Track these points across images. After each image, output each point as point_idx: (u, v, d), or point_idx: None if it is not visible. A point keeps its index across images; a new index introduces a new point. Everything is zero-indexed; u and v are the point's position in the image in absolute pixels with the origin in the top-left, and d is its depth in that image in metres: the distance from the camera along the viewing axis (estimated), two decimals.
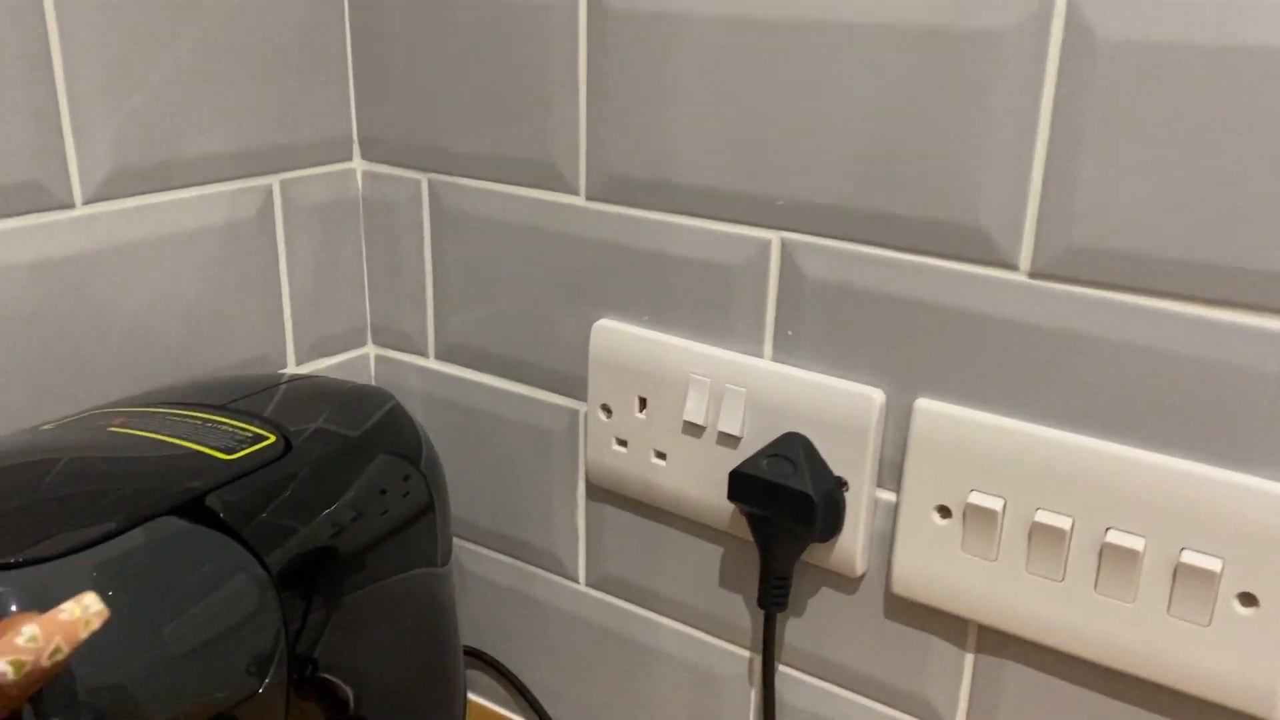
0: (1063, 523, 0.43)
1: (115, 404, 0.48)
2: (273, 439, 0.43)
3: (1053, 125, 0.41)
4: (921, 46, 0.43)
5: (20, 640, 0.28)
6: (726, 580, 0.55)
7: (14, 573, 0.33)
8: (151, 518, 0.37)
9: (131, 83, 0.50)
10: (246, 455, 0.42)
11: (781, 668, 0.54)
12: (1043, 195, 0.42)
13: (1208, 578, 0.41)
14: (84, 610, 0.29)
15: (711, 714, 0.57)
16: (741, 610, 0.55)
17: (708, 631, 0.56)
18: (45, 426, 0.45)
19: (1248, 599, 0.40)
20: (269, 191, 0.58)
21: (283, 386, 0.50)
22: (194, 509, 0.38)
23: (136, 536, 0.36)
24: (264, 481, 0.41)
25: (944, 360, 0.45)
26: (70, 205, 0.49)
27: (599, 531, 0.59)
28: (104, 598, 0.30)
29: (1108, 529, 0.42)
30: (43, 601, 0.31)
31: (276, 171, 0.58)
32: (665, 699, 0.59)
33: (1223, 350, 0.39)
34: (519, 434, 0.60)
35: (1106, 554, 0.42)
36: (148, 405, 0.47)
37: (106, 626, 0.29)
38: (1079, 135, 0.40)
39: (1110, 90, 0.39)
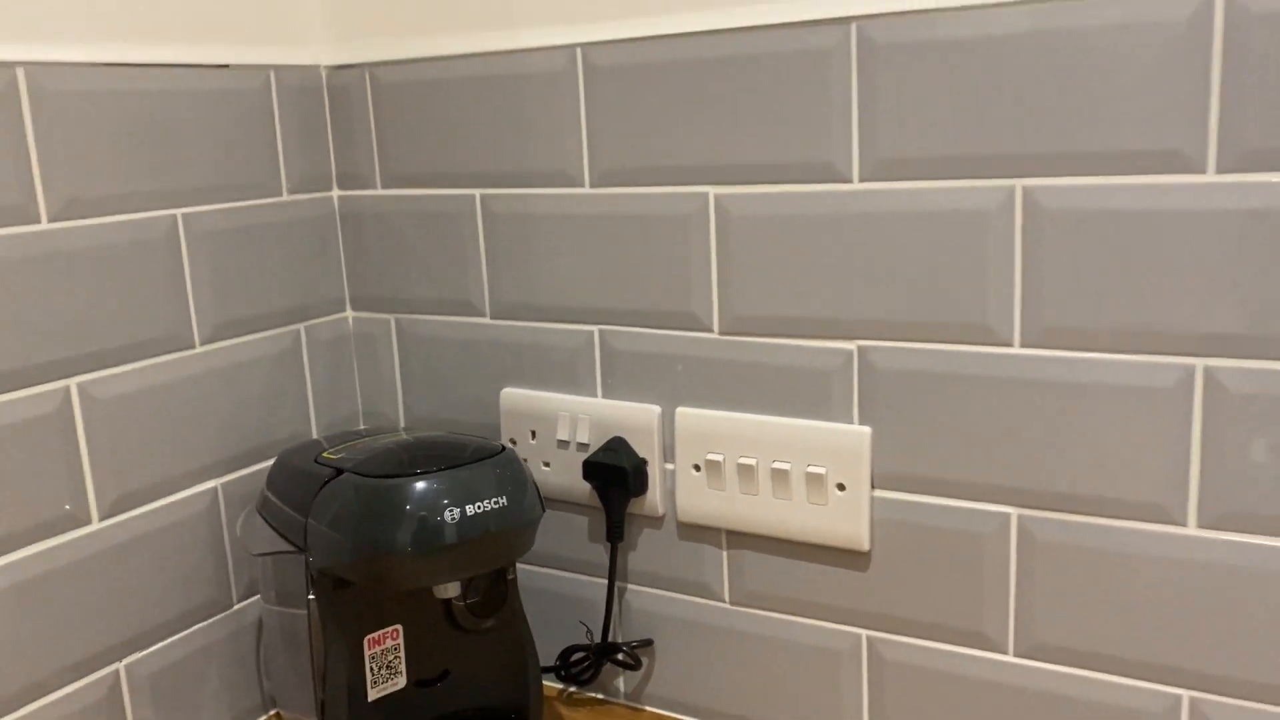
0: (750, 461, 0.81)
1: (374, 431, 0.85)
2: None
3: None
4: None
5: None
6: (592, 534, 0.91)
7: (442, 473, 0.70)
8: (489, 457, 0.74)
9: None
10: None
11: (620, 583, 0.90)
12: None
13: (820, 478, 0.78)
14: None
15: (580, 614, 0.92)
16: (599, 549, 0.91)
17: (579, 572, 0.92)
18: (358, 440, 0.82)
19: (841, 487, 0.78)
20: (298, 334, 0.95)
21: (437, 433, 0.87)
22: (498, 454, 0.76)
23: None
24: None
25: (687, 386, 0.83)
26: (191, 345, 0.86)
27: None
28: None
29: (773, 461, 0.80)
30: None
31: (301, 321, 0.96)
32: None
33: (803, 358, 0.78)
34: None
35: (775, 475, 0.80)
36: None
37: None
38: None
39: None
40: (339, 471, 0.73)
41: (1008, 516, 0.73)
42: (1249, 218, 0.63)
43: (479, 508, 0.69)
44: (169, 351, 0.84)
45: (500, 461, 0.73)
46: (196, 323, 0.86)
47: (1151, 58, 0.63)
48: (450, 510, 0.68)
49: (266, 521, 0.81)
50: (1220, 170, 0.63)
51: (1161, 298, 0.66)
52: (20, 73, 0.73)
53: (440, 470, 0.70)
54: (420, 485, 0.69)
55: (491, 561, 0.74)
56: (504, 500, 0.70)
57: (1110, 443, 0.69)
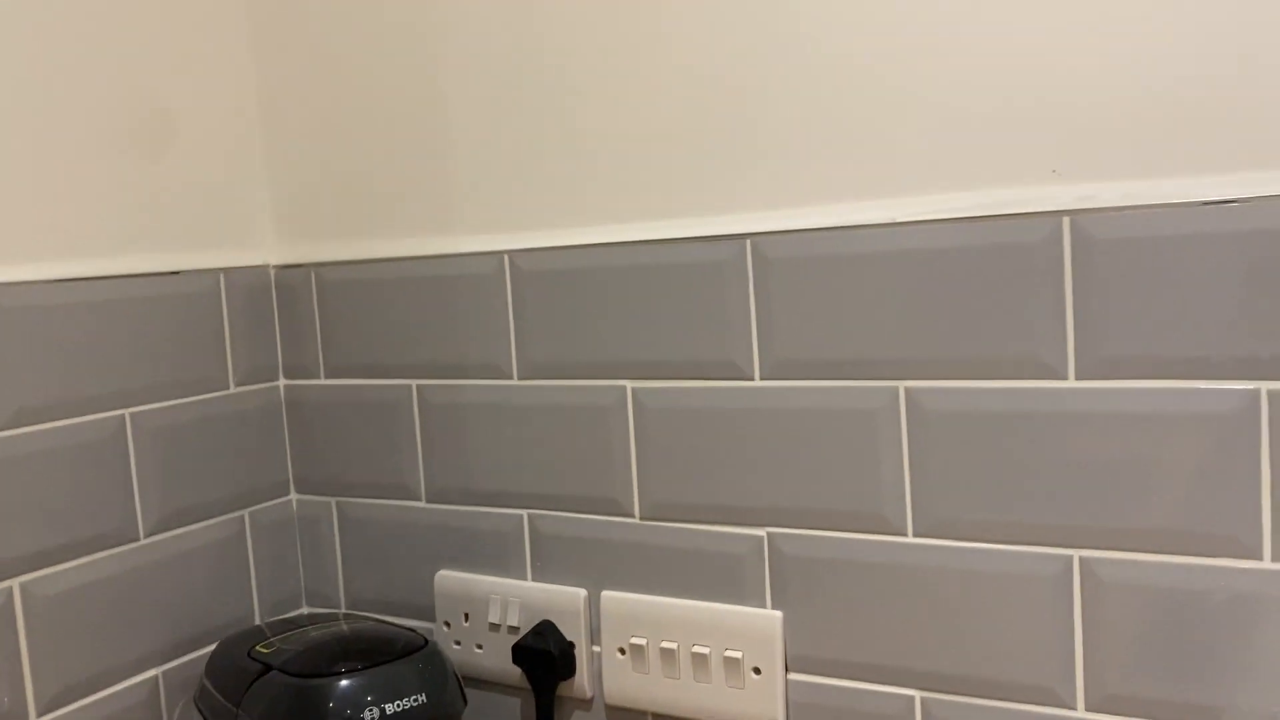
0: (672, 645, 0.84)
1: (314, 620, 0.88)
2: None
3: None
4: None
5: None
6: (524, 718, 0.93)
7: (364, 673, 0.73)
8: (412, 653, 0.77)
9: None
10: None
11: None
12: None
13: (737, 662, 0.81)
14: None
15: None
16: None
17: None
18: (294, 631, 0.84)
19: (757, 670, 0.81)
20: (243, 520, 0.99)
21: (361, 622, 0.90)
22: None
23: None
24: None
25: (612, 571, 0.87)
26: (135, 538, 0.89)
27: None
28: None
29: (693, 644, 0.83)
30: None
31: (246, 506, 0.99)
32: None
33: (717, 544, 0.82)
34: None
35: (695, 659, 0.83)
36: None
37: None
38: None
39: None
40: (268, 668, 0.76)
41: (912, 699, 0.76)
42: (1107, 419, 0.68)
43: (400, 706, 0.72)
44: (113, 546, 0.87)
45: (423, 658, 0.76)
46: (142, 516, 0.90)
47: (1012, 269, 0.70)
48: (371, 709, 0.71)
49: (201, 713, 0.83)
50: (1079, 377, 0.69)
51: (1038, 493, 0.71)
52: None
53: (364, 669, 0.73)
54: (344, 684, 0.72)
55: None
56: (424, 697, 0.73)
57: (1001, 628, 0.73)
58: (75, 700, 0.84)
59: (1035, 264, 0.69)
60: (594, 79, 0.84)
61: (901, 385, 0.74)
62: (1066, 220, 0.68)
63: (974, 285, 0.71)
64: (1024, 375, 0.70)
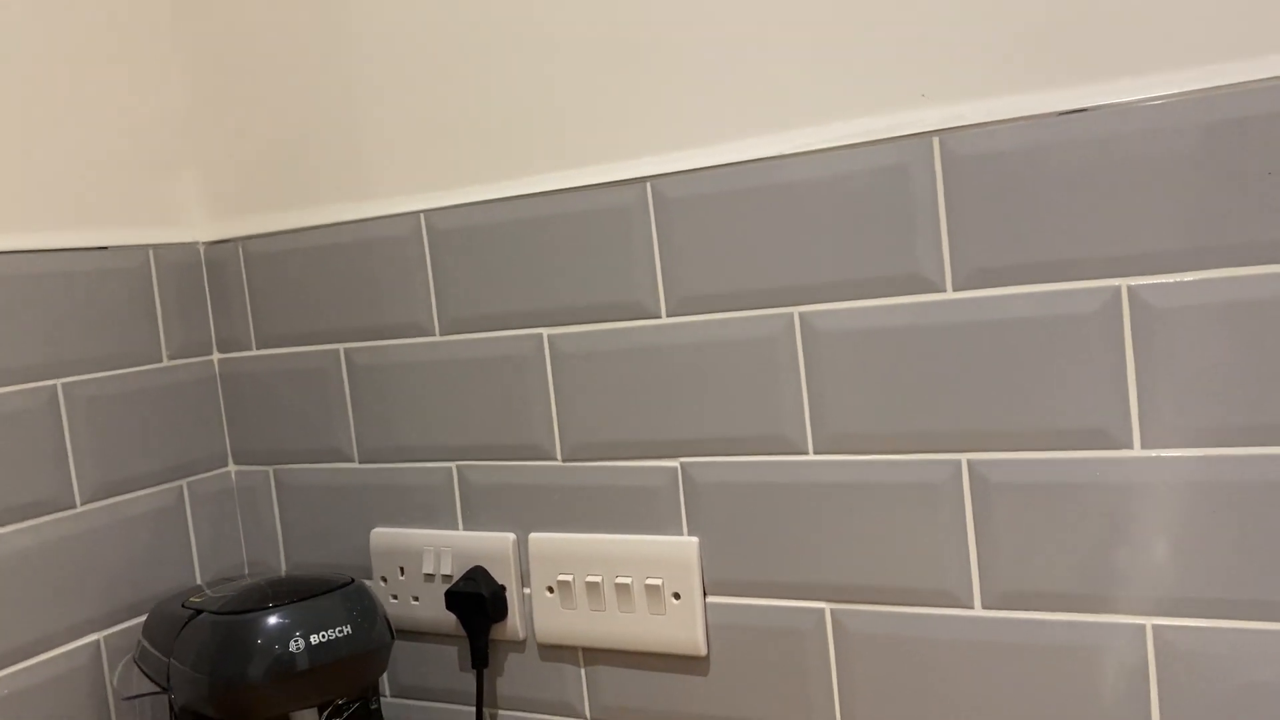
0: (597, 579, 0.87)
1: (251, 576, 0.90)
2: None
3: None
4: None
5: None
6: (461, 664, 0.96)
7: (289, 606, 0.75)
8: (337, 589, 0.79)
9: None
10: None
11: (490, 709, 0.94)
12: None
13: (658, 589, 0.84)
14: None
15: None
16: (469, 678, 0.95)
17: (450, 701, 0.96)
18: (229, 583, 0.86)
19: (676, 596, 0.84)
20: (181, 490, 1.01)
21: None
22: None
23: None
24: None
25: (539, 514, 0.90)
26: (72, 505, 0.91)
27: (403, 654, 0.99)
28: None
29: (616, 576, 0.86)
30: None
31: (185, 477, 1.01)
32: None
33: (634, 478, 0.85)
34: None
35: (619, 590, 0.86)
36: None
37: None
38: None
39: None
40: (198, 612, 0.79)
41: (823, 611, 0.80)
42: (982, 327, 0.72)
43: (325, 635, 0.74)
44: (49, 513, 0.90)
45: (348, 592, 0.79)
46: (78, 484, 0.92)
47: (890, 190, 0.74)
48: (297, 639, 0.73)
49: (140, 669, 0.85)
50: (956, 289, 0.73)
51: (925, 403, 0.75)
52: None
53: (289, 604, 0.76)
54: (270, 619, 0.75)
55: (345, 689, 0.79)
56: (349, 629, 0.76)
57: (900, 536, 0.76)
58: (17, 662, 0.86)
59: (910, 185, 0.73)
60: (495, 34, 0.87)
61: (796, 311, 0.78)
62: (936, 140, 0.72)
63: (857, 210, 0.75)
64: (907, 291, 0.74)
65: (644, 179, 0.82)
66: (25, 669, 0.86)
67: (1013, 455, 0.73)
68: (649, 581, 0.84)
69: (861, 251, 0.75)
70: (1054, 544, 0.72)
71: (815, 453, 0.79)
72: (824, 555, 0.79)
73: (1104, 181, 0.68)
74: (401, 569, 0.96)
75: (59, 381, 0.91)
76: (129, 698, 0.84)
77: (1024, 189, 0.70)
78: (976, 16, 0.71)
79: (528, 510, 0.91)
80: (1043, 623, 0.73)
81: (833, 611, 0.79)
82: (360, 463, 0.99)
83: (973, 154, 0.71)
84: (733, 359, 0.81)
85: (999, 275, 0.71)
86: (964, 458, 0.74)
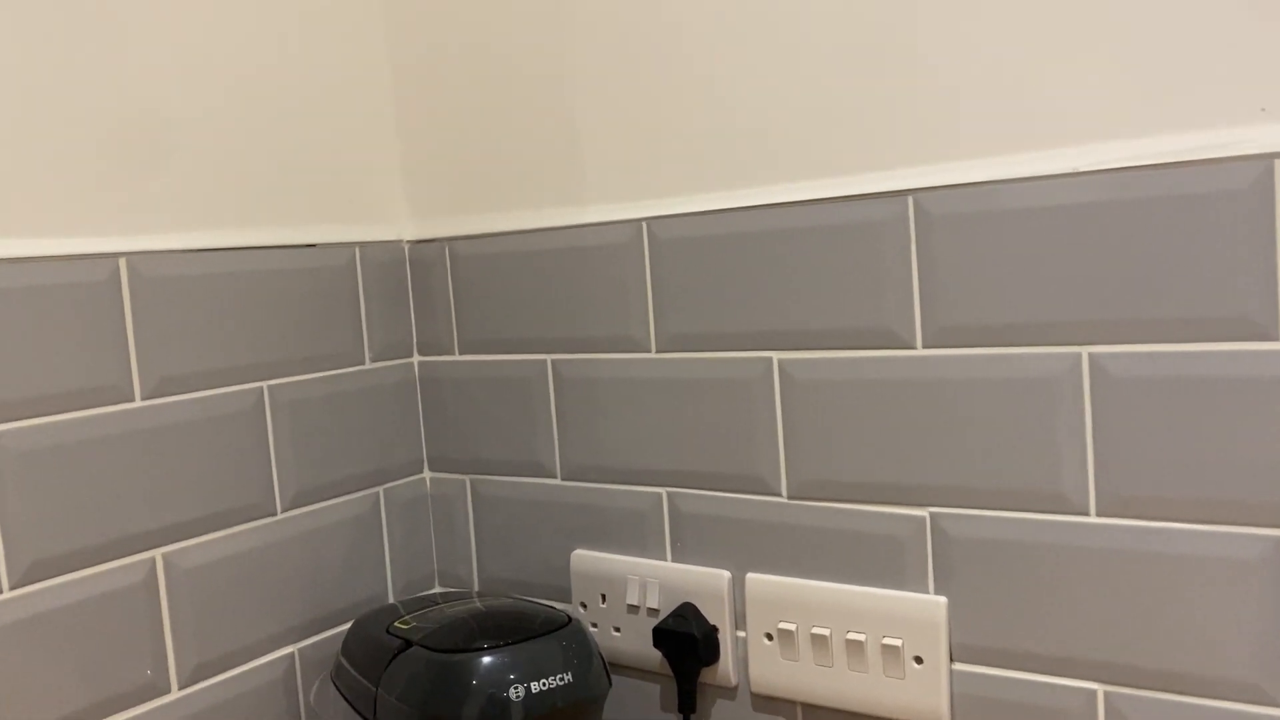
0: (824, 631, 0.79)
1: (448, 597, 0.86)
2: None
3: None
4: None
5: None
6: (664, 704, 0.89)
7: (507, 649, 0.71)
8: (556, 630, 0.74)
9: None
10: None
11: None
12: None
13: (896, 650, 0.76)
14: None
15: None
16: (670, 718, 0.89)
17: None
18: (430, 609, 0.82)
19: (919, 659, 0.75)
20: (377, 497, 0.97)
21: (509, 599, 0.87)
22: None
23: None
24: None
25: (756, 553, 0.82)
26: (273, 512, 0.88)
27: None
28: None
29: (847, 631, 0.78)
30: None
31: (381, 484, 0.98)
32: None
33: (874, 524, 0.76)
34: None
35: (849, 646, 0.78)
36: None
37: None
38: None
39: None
40: (408, 644, 0.74)
41: (1094, 694, 0.70)
42: None
43: (545, 684, 0.68)
44: (251, 519, 0.87)
45: (567, 635, 0.73)
46: (279, 490, 0.89)
47: (1216, 227, 0.63)
48: (516, 687, 0.68)
49: (339, 690, 0.81)
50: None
51: (1238, 466, 0.64)
52: (122, 262, 0.78)
53: (507, 644, 0.71)
54: (487, 660, 0.70)
55: None
56: (570, 676, 0.70)
57: (1197, 616, 0.66)
58: (214, 675, 0.83)
59: (1237, 215, 0.62)
60: (730, 32, 0.79)
61: (1085, 350, 0.68)
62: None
63: (1161, 236, 0.64)
64: (1233, 337, 0.63)
65: (906, 192, 0.73)
66: (225, 680, 0.84)
67: None
68: (887, 641, 0.76)
69: (1159, 289, 0.65)
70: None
71: (1097, 514, 0.68)
72: (1101, 630, 0.69)
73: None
74: (603, 596, 0.90)
75: (265, 384, 0.88)
76: None
77: None
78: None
79: (744, 547, 0.84)
80: None
81: (1107, 694, 0.69)
82: (563, 479, 0.93)
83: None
84: (1001, 400, 0.71)
85: None
86: None
